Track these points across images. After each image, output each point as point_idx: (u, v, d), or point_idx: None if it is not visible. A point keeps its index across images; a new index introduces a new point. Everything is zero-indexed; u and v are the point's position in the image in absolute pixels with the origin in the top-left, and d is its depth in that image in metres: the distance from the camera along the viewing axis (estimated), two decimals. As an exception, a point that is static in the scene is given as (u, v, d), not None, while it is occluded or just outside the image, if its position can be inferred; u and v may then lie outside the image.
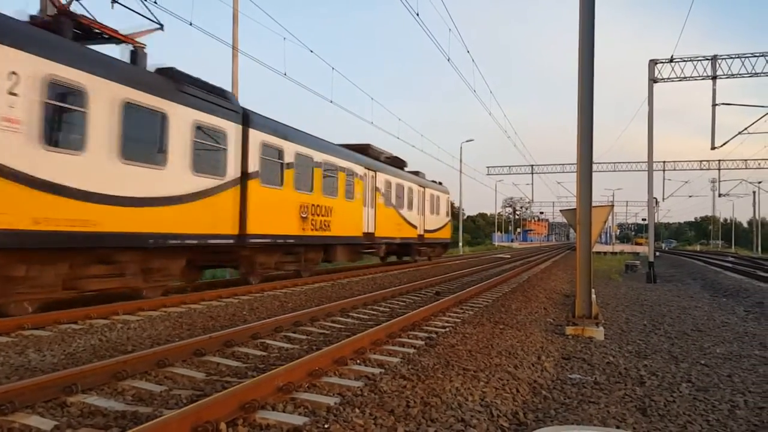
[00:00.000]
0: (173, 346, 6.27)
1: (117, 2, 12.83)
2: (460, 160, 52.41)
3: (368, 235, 20.49)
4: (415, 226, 25.60)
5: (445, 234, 31.46)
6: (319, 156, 16.58)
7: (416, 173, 27.17)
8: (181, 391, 4.99)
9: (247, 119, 13.16)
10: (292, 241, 14.94)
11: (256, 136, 13.30)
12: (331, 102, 20.03)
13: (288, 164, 14.78)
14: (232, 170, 12.58)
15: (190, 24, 13.56)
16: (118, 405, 4.53)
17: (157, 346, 6.69)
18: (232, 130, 12.60)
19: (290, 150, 14.87)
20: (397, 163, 24.94)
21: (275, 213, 14.05)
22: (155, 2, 13.19)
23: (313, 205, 16.04)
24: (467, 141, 58.32)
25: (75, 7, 10.41)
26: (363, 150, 21.16)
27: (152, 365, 5.67)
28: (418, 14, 15.67)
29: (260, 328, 7.72)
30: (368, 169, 20.65)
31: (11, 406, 4.19)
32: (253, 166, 13.19)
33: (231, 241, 12.54)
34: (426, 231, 27.30)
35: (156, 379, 5.36)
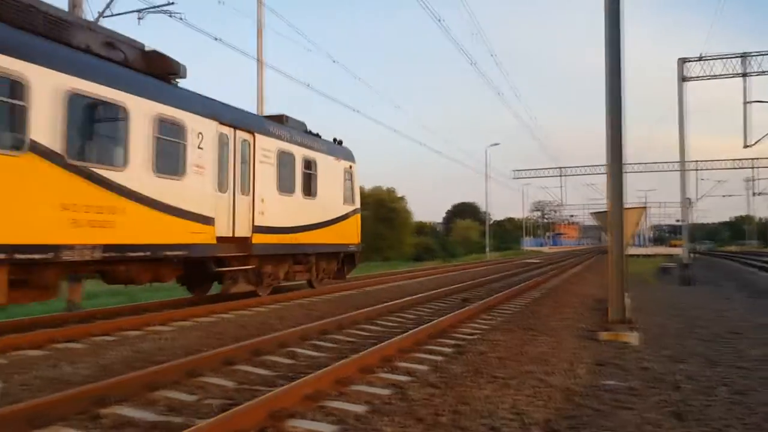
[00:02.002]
0: (204, 356, 6.33)
1: (141, 18, 13.19)
2: (486, 164, 52.15)
3: None
4: (206, 219, 10.78)
5: (345, 236, 16.22)
6: None
7: (279, 118, 14.14)
8: (213, 400, 5.01)
9: None
10: None
11: None
12: (357, 111, 19.46)
13: None
14: None
15: (215, 39, 13.77)
16: (150, 416, 4.57)
17: (188, 355, 6.74)
18: None
19: None
20: (159, 64, 10.37)
21: None
22: (181, 19, 13.50)
23: None
24: (493, 145, 57.98)
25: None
26: None
27: (184, 375, 5.71)
28: (441, 20, 15.59)
29: (288, 337, 7.75)
30: None
31: (45, 420, 4.25)
32: None
33: None
34: (271, 230, 12.71)
35: (187, 389, 5.40)
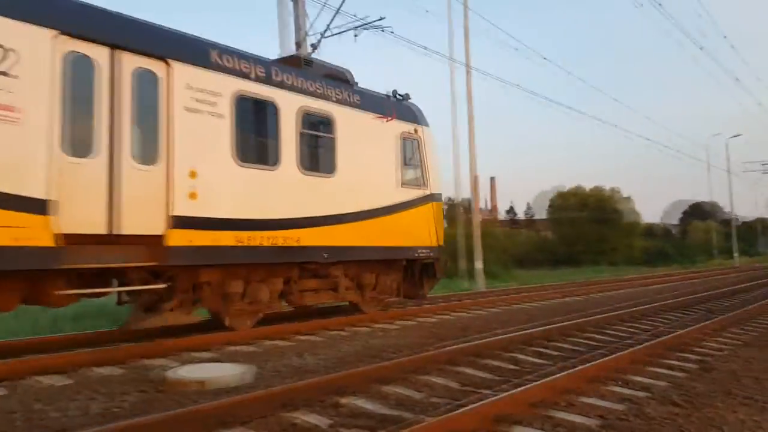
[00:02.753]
0: (428, 355, 6.54)
1: (357, 35, 14.24)
2: (727, 159, 46.25)
3: None
4: (28, 203, 6.14)
5: (409, 234, 10.89)
6: None
7: (294, 59, 10.33)
8: (438, 399, 5.13)
9: None
10: None
11: None
12: (569, 108, 18.30)
13: None
14: None
15: (425, 48, 14.18)
16: (382, 408, 4.83)
17: (413, 354, 7.01)
18: None
19: None
20: None
21: None
22: (392, 32, 14.36)
23: None
24: (734, 136, 51.04)
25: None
26: None
27: (410, 372, 5.96)
28: (660, 5, 14.13)
29: (510, 341, 7.65)
30: None
31: (294, 404, 4.74)
32: None
33: None
34: (218, 224, 7.86)
35: (414, 386, 5.60)
